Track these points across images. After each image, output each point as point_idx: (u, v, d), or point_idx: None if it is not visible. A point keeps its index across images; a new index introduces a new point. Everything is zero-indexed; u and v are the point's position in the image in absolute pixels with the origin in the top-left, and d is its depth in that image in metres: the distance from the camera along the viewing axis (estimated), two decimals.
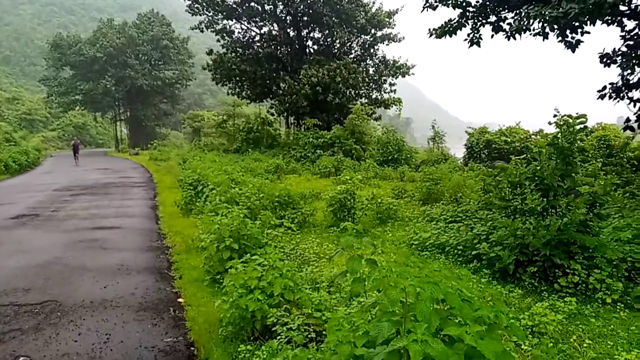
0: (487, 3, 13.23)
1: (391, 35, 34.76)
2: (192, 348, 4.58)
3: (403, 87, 35.69)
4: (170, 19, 67.12)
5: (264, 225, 7.18)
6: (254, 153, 28.30)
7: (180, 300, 5.85)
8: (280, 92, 33.69)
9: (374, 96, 35.37)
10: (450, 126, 31.20)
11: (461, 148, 30.36)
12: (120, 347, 4.49)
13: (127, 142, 66.07)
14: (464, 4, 13.54)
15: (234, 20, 35.15)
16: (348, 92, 32.31)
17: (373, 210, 10.68)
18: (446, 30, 14.11)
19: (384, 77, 34.13)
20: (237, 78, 34.00)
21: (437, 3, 14.05)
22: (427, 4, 13.87)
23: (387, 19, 33.86)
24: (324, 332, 3.94)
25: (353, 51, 35.71)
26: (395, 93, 34.95)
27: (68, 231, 9.77)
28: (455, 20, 13.93)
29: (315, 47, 35.96)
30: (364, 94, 34.68)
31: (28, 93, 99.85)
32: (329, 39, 34.87)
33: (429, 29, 14.65)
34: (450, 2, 13.76)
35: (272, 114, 35.15)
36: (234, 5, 33.64)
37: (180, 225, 10.15)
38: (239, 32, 35.74)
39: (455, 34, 14.16)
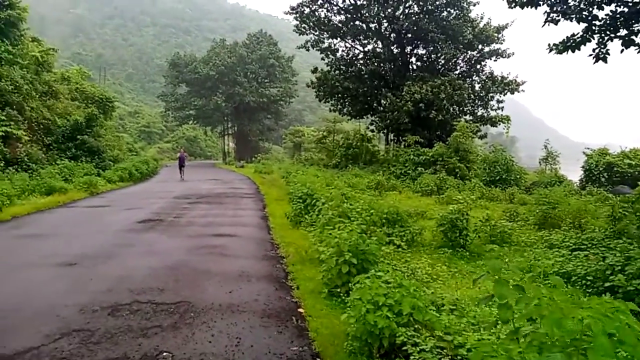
0: (618, 16, 12.28)
1: (499, 51, 33.52)
2: (317, 359, 4.67)
3: (507, 103, 34.07)
4: (276, 39, 70.52)
5: (380, 241, 7.17)
6: (353, 169, 28.53)
7: (300, 310, 6.00)
8: (382, 108, 33.77)
9: (479, 113, 34.20)
10: (560, 146, 29.14)
11: (574, 170, 28.25)
12: (251, 351, 4.70)
13: (233, 155, 69.91)
14: (590, 17, 12.69)
15: (339, 39, 36.02)
16: (452, 109, 31.55)
17: (486, 233, 10.26)
18: (568, 46, 13.29)
19: (490, 94, 32.88)
20: (340, 95, 34.67)
21: (560, 17, 13.31)
22: (549, 19, 13.17)
23: (496, 34, 32.74)
24: (458, 358, 3.83)
25: (458, 67, 34.93)
26: (502, 110, 33.52)
27: (190, 237, 10.50)
28: (579, 35, 13.08)
29: (419, 63, 35.71)
30: (468, 111, 33.70)
31: (147, 107, 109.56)
32: (433, 55, 34.48)
33: (549, 45, 13.90)
34: (574, 16, 12.97)
35: (372, 131, 35.29)
36: (339, 25, 34.53)
37: (291, 237, 10.46)
38: (342, 51, 36.61)
39: (579, 49, 13.28)
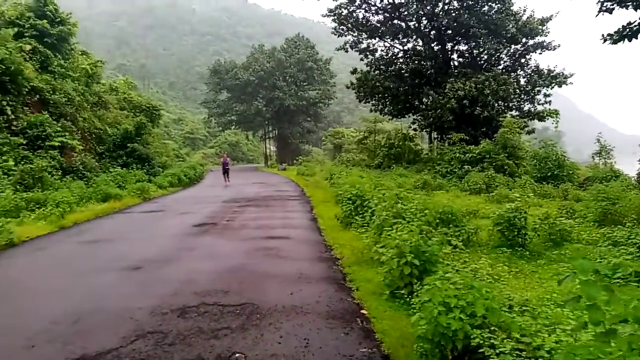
0: None
1: (544, 44, 32.48)
2: None
3: (553, 97, 32.93)
4: (313, 42, 70.90)
5: (441, 242, 7.08)
6: (397, 169, 28.27)
7: (363, 311, 6.00)
8: (423, 107, 33.36)
9: (525, 108, 33.25)
10: (611, 140, 27.89)
11: (629, 163, 26.98)
12: (321, 353, 4.73)
13: (275, 158, 70.70)
14: None
15: (377, 39, 35.84)
16: (497, 104, 30.80)
17: (545, 231, 9.94)
18: (625, 35, 12.76)
19: (537, 88, 31.90)
20: (380, 95, 34.48)
21: (615, 5, 12.80)
22: (603, 8, 12.70)
23: (540, 27, 31.76)
24: None
25: (502, 62, 34.09)
26: (550, 104, 32.47)
27: (245, 239, 10.69)
28: (636, 23, 12.53)
29: (460, 59, 35.09)
30: (514, 107, 32.80)
31: (190, 114, 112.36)
32: (475, 51, 33.78)
33: (603, 35, 13.37)
34: (631, 3, 12.44)
35: (415, 130, 34.90)
36: (378, 24, 34.36)
37: (343, 238, 10.48)
38: (381, 50, 36.41)
39: (636, 38, 12.72)
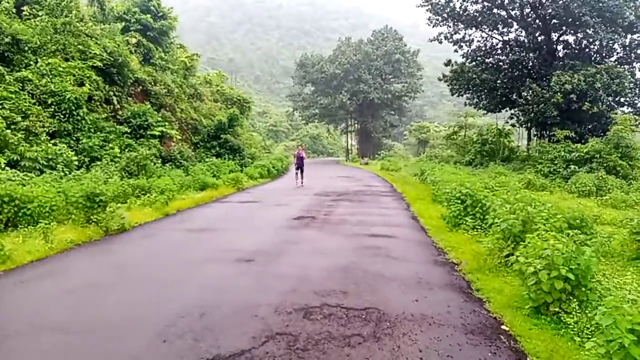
0: None
1: None
2: None
3: None
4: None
5: (597, 253, 6.21)
6: (495, 167, 26.66)
7: (504, 327, 5.34)
8: (523, 101, 31.23)
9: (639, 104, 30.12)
10: None
11: None
12: None
13: (355, 152, 70.27)
14: None
15: (474, 29, 34.07)
16: (608, 100, 28.11)
17: None
18: None
19: None
20: (476, 88, 32.76)
21: None
22: None
23: None
24: None
25: (614, 53, 31.04)
26: None
27: (347, 236, 10.29)
28: None
29: (566, 51, 32.40)
30: (626, 102, 29.81)
31: (273, 107, 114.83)
32: (584, 42, 31.05)
33: None
34: None
35: (513, 125, 32.84)
36: (476, 14, 32.60)
37: (453, 240, 9.76)
38: (478, 41, 34.55)
39: None
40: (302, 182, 23.60)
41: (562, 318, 5.27)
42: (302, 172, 24.08)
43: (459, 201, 11.23)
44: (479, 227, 10.39)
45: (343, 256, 8.38)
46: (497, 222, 8.04)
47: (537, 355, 4.58)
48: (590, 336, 4.77)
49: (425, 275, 7.27)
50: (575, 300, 5.32)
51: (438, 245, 9.62)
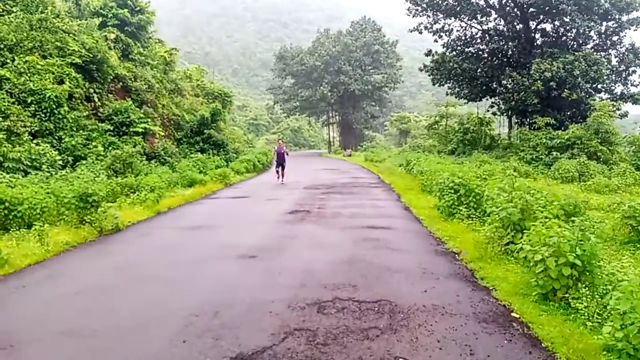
0: None
1: None
2: None
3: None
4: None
5: (604, 239, 6.37)
6: (479, 155, 27.03)
7: (514, 315, 5.45)
8: (503, 89, 31.66)
9: (616, 90, 30.82)
10: None
11: None
12: None
13: (337, 144, 70.35)
14: None
15: (453, 19, 34.30)
16: (586, 86, 28.69)
17: None
18: None
19: (632, 68, 29.40)
20: (457, 77, 33.06)
21: None
22: None
23: (638, 0, 29.12)
24: None
25: (590, 41, 31.64)
26: None
27: (345, 229, 10.34)
28: None
29: (544, 39, 32.89)
30: (604, 88, 30.49)
31: (253, 101, 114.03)
32: (561, 29, 31.57)
33: None
34: None
35: (494, 114, 33.29)
36: (455, 3, 32.81)
37: (449, 230, 9.89)
38: (457, 31, 34.82)
39: None
40: (282, 180, 21.64)
41: (570, 303, 5.40)
42: (283, 169, 21.93)
43: (452, 191, 11.35)
44: (474, 216, 10.54)
45: (344, 249, 8.43)
46: (495, 211, 8.17)
47: (552, 340, 4.69)
48: (600, 321, 4.92)
49: (429, 266, 7.37)
50: (582, 285, 5.45)
51: (435, 235, 9.75)
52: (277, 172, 22.12)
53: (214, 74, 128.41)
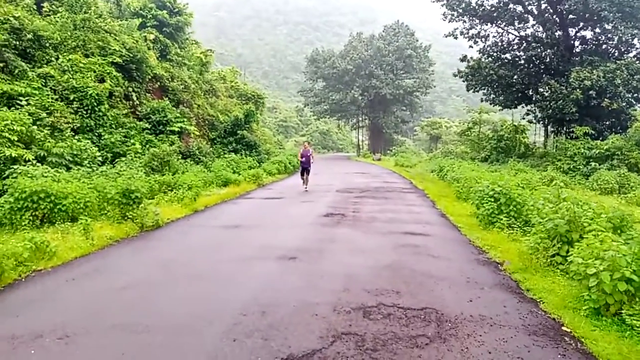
0: None
1: None
2: None
3: None
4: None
5: None
6: (514, 163, 26.52)
7: (565, 329, 5.32)
8: (540, 97, 31.00)
9: None
10: None
11: None
12: None
13: (366, 148, 70.11)
14: None
15: (490, 25, 33.79)
16: (627, 96, 27.85)
17: None
18: None
19: None
20: (493, 84, 32.55)
21: None
22: None
23: None
24: None
25: (633, 49, 30.68)
26: None
27: (383, 234, 10.28)
28: None
29: (584, 46, 32.08)
30: None
31: (282, 103, 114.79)
32: (602, 37, 30.74)
33: None
34: None
35: (530, 121, 32.64)
36: (492, 10, 32.33)
37: (490, 239, 9.72)
38: (494, 36, 34.28)
39: None
40: (307, 187, 19.53)
41: (625, 320, 5.23)
42: (307, 173, 19.77)
43: (492, 199, 11.16)
44: (515, 226, 10.34)
45: (384, 254, 8.38)
46: (540, 221, 8.00)
47: (608, 357, 4.56)
48: None
49: (472, 275, 7.26)
50: (638, 302, 5.28)
51: (475, 243, 9.60)
52: (303, 178, 19.89)
53: (245, 75, 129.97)
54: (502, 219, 10.63)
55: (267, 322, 5.14)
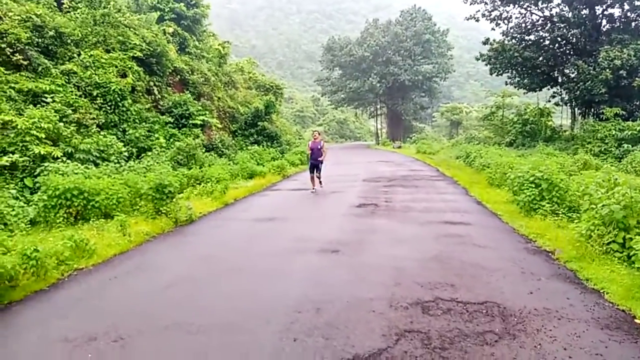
0: None
1: None
2: None
3: None
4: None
5: None
6: (543, 147, 25.85)
7: (638, 321, 5.01)
8: (566, 79, 30.13)
9: None
10: None
11: None
12: None
13: (385, 136, 69.43)
14: None
15: (512, 6, 32.86)
16: None
17: None
18: None
19: None
20: (517, 67, 31.73)
21: None
22: None
23: None
24: None
25: None
26: None
27: (421, 224, 9.98)
28: None
29: (611, 24, 31.02)
30: None
31: (298, 93, 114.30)
32: (631, 15, 29.66)
33: None
34: None
35: (557, 104, 31.78)
36: None
37: (534, 226, 9.35)
38: (516, 18, 33.36)
39: None
40: (316, 187, 16.03)
41: None
42: (318, 171, 16.07)
43: (533, 185, 10.78)
44: (559, 212, 9.96)
45: (428, 245, 8.11)
46: (593, 207, 7.64)
47: None
48: None
49: (525, 265, 6.95)
50: None
51: (519, 231, 9.26)
52: (313, 175, 16.00)
53: (260, 66, 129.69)
54: (544, 206, 10.26)
55: (323, 319, 4.93)
